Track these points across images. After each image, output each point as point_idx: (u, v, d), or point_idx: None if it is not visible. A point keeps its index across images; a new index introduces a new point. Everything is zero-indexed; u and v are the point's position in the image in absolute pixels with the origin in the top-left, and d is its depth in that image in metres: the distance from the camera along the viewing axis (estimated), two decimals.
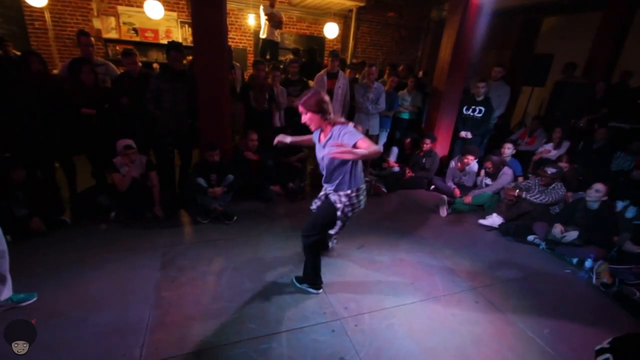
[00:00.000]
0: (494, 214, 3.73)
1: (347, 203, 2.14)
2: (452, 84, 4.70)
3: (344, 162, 2.02)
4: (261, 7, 6.48)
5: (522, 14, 7.31)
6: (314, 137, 2.21)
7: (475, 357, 2.03)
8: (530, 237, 3.41)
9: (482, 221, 3.75)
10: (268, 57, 6.66)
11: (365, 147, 1.83)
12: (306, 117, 2.00)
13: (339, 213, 2.16)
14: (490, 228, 3.68)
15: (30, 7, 5.62)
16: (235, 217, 3.43)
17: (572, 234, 3.13)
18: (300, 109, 1.98)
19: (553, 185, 3.64)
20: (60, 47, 6.43)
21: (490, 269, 2.96)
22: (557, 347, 2.13)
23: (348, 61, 7.76)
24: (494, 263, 3.07)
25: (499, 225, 3.64)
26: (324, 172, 2.19)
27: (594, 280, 2.81)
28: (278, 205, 3.94)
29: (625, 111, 4.80)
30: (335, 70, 4.43)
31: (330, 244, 2.93)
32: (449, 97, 4.77)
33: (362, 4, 7.60)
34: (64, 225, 3.10)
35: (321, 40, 8.28)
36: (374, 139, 4.90)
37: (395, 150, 5.07)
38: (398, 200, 4.39)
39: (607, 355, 1.16)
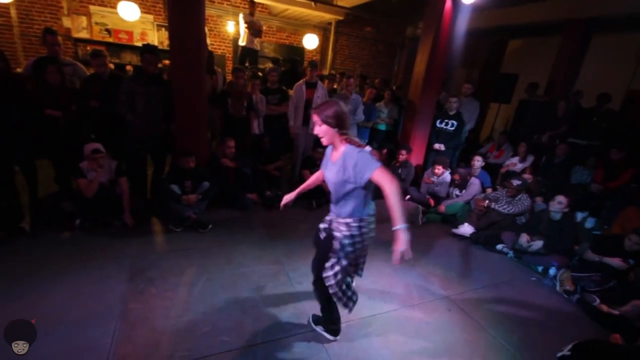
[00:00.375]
0: (466, 224, 3.87)
1: (347, 234, 1.83)
2: (426, 98, 4.88)
3: (355, 189, 1.79)
4: (241, 15, 6.48)
5: (490, 35, 7.77)
6: (326, 153, 1.97)
7: None
8: (499, 246, 3.55)
9: (454, 230, 3.87)
10: (247, 64, 6.65)
11: (389, 188, 1.62)
12: (320, 129, 1.77)
13: (335, 243, 1.85)
14: (462, 237, 3.80)
15: None
16: (210, 226, 3.34)
17: (538, 244, 3.30)
18: (315, 118, 1.76)
19: (519, 196, 3.83)
20: (25, 45, 6.10)
21: (462, 277, 3.04)
22: (526, 354, 2.21)
23: (327, 72, 7.89)
24: (465, 271, 3.16)
25: (470, 234, 3.77)
26: (332, 195, 1.94)
27: (557, 288, 2.96)
28: (255, 213, 3.88)
29: (582, 129, 5.18)
30: (314, 80, 4.48)
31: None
32: (423, 110, 4.94)
33: (340, 18, 7.80)
34: (23, 233, 2.88)
35: (300, 50, 8.37)
36: None
37: None
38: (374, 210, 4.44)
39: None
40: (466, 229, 3.82)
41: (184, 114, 3.53)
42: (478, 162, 4.58)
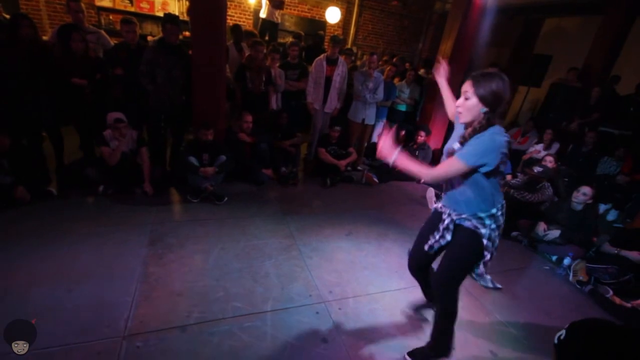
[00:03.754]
0: None
1: (494, 226, 1.54)
2: (450, 77, 4.70)
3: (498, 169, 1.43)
4: None
5: (524, 13, 7.29)
6: (456, 123, 1.65)
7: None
8: (514, 233, 3.50)
9: None
10: (267, 38, 6.53)
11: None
12: (466, 103, 1.43)
13: (485, 241, 1.55)
14: None
15: None
16: (226, 198, 3.43)
17: (554, 233, 3.23)
18: (469, 88, 1.41)
19: (541, 184, 3.71)
20: (50, 12, 6.18)
21: None
22: (531, 338, 2.22)
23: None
24: None
25: None
26: (448, 185, 1.63)
27: (570, 278, 2.92)
28: (269, 189, 3.94)
29: (615, 117, 4.90)
30: (335, 56, 4.37)
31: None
32: None
33: None
34: (50, 196, 3.05)
35: (322, 24, 8.13)
36: (370, 129, 4.90)
37: None
38: (388, 191, 4.44)
39: (562, 331, 1.22)
40: None
41: (202, 86, 3.55)
42: None
